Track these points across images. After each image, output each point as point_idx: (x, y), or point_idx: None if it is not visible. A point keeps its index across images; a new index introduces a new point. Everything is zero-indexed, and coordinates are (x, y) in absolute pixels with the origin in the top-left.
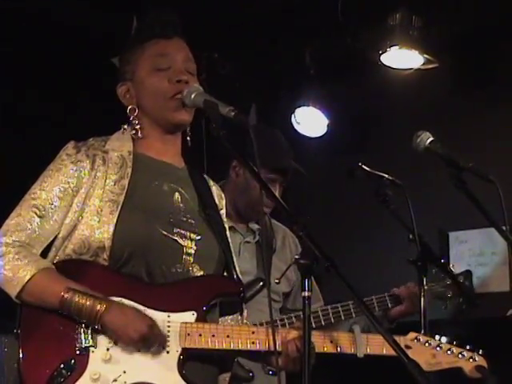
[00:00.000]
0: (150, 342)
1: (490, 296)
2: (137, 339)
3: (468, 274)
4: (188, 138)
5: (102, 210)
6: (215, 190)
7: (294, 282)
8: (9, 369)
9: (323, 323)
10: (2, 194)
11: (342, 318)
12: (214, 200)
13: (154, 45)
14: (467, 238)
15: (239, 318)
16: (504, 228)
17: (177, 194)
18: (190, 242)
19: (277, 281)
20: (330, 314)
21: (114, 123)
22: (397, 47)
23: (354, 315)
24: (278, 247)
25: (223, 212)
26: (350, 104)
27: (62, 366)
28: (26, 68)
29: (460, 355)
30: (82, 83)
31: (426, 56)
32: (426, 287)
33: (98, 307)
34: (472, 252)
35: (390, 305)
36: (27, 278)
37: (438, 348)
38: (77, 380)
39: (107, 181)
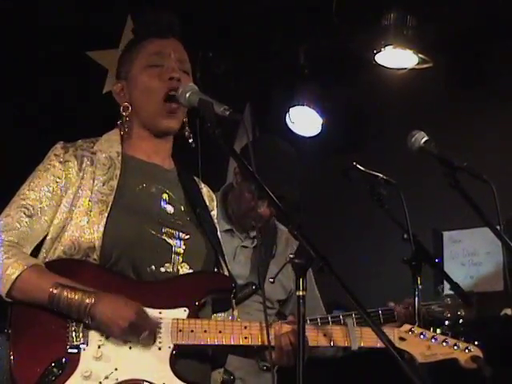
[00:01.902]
0: (140, 329)
1: (483, 295)
2: (126, 327)
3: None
4: (190, 140)
5: (91, 211)
6: (206, 191)
7: (292, 290)
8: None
9: None
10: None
11: None
12: (205, 201)
13: (149, 44)
14: (461, 237)
15: (231, 315)
16: (498, 227)
17: (165, 195)
18: (178, 241)
19: (271, 280)
20: (330, 323)
21: (103, 125)
22: (391, 47)
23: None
24: (278, 252)
25: (214, 213)
26: (345, 103)
27: (53, 364)
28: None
29: (455, 346)
30: (70, 84)
31: (420, 56)
32: (421, 306)
33: (87, 300)
34: (466, 251)
35: (382, 321)
36: (16, 275)
37: (432, 340)
38: (68, 378)
39: (95, 181)
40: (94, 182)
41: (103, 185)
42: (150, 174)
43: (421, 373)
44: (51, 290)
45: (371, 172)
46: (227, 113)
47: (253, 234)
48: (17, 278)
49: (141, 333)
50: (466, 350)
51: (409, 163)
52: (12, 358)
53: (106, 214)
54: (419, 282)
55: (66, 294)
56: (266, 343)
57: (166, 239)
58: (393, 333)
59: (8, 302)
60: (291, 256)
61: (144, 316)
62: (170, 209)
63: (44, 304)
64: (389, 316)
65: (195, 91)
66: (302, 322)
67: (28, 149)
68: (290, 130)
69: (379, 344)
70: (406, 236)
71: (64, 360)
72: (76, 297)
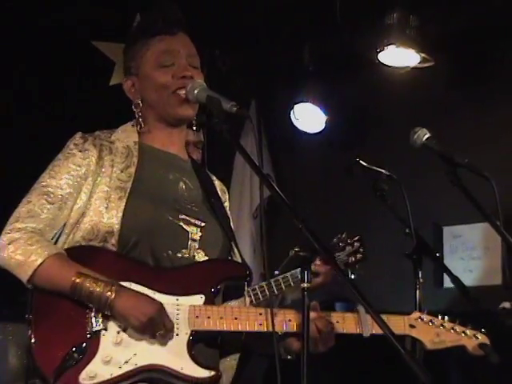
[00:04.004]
0: (159, 325)
1: (482, 289)
2: (145, 323)
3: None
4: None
5: (110, 197)
6: (218, 184)
7: None
8: (13, 356)
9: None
10: (6, 186)
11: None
12: (218, 193)
13: (158, 41)
14: (461, 232)
15: (244, 301)
16: (498, 223)
17: (181, 183)
18: (195, 228)
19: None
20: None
21: (117, 118)
22: (394, 46)
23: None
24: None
25: (227, 205)
26: (348, 101)
27: (73, 349)
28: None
29: (463, 333)
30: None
31: (422, 55)
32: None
33: (108, 293)
34: (465, 246)
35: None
36: (38, 262)
37: (441, 327)
38: (88, 363)
39: (114, 169)
40: (112, 169)
41: (121, 172)
42: (166, 162)
43: (421, 362)
44: (73, 279)
45: (374, 168)
46: (234, 109)
47: None
48: (39, 265)
49: (158, 330)
50: (474, 337)
51: (411, 159)
52: (33, 342)
53: (125, 200)
54: (420, 275)
55: (87, 284)
56: (282, 330)
57: (183, 226)
58: (403, 320)
59: (28, 290)
60: (296, 249)
61: (164, 315)
62: (186, 196)
63: (65, 292)
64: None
65: (203, 88)
66: (307, 313)
67: (41, 140)
68: (294, 126)
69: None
70: (407, 230)
71: (84, 345)
72: (98, 288)
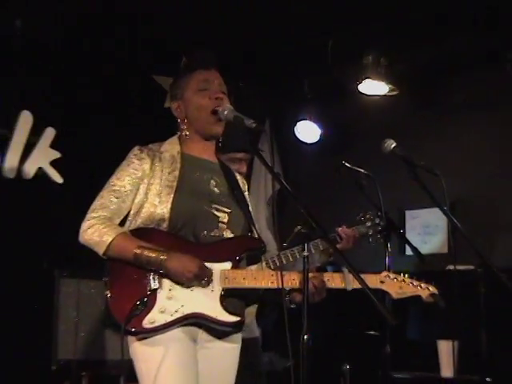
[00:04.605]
0: (201, 277)
1: (433, 256)
2: (191, 276)
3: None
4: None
5: (161, 193)
6: (240, 178)
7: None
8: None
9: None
10: (88, 187)
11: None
12: (239, 185)
13: (198, 74)
14: (418, 214)
15: (261, 266)
16: (445, 208)
17: (212, 181)
18: (223, 214)
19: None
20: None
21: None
22: (369, 79)
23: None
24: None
25: (246, 193)
26: (337, 119)
27: (138, 302)
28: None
29: (419, 287)
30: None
31: (390, 86)
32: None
33: (162, 257)
34: (422, 224)
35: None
36: (110, 240)
37: (403, 282)
38: (149, 312)
39: (163, 172)
40: (162, 173)
41: (169, 174)
42: (201, 166)
43: (387, 307)
44: (135, 250)
45: (356, 168)
46: (254, 125)
47: None
48: (110, 242)
49: (201, 280)
50: (427, 289)
51: (382, 162)
52: (109, 297)
53: (172, 195)
54: (388, 246)
55: (146, 253)
56: (287, 286)
57: (215, 212)
58: (375, 277)
59: (104, 259)
60: (299, 227)
61: (204, 268)
62: (216, 191)
63: (130, 261)
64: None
65: (231, 109)
66: (307, 274)
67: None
68: (297, 138)
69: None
70: (379, 213)
71: (145, 299)
72: (153, 255)
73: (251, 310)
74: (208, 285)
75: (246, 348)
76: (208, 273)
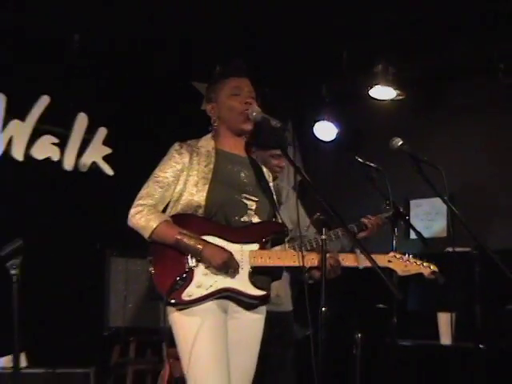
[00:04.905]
0: (229, 266)
1: (435, 239)
2: (221, 264)
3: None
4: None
5: (197, 184)
6: (266, 171)
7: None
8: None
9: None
10: (136, 178)
11: (333, 239)
12: (265, 177)
13: (231, 81)
14: (422, 203)
15: (285, 247)
16: (445, 197)
17: (242, 173)
18: (251, 202)
19: (291, 228)
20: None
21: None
22: (379, 85)
23: (340, 237)
24: (283, 201)
25: (271, 184)
26: (350, 120)
27: (178, 278)
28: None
29: (422, 265)
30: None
31: (397, 91)
32: (396, 230)
33: (198, 246)
34: (424, 212)
35: (356, 229)
36: (154, 226)
37: (408, 261)
38: (187, 286)
39: (200, 165)
40: (199, 166)
41: (205, 167)
42: (233, 160)
43: (394, 284)
44: (176, 236)
45: (367, 162)
46: (278, 125)
47: None
48: (155, 228)
49: (228, 269)
50: (428, 267)
51: (390, 157)
52: (153, 274)
53: (208, 186)
54: (395, 230)
55: (185, 240)
56: (307, 265)
57: (244, 201)
58: (384, 257)
59: (149, 242)
60: (318, 214)
61: (232, 259)
62: (245, 182)
63: (171, 244)
64: (362, 226)
65: (259, 111)
66: (325, 255)
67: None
68: (316, 136)
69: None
70: (388, 202)
71: (184, 276)
72: (191, 242)
73: (275, 285)
74: (238, 266)
75: (280, 320)
76: (235, 264)
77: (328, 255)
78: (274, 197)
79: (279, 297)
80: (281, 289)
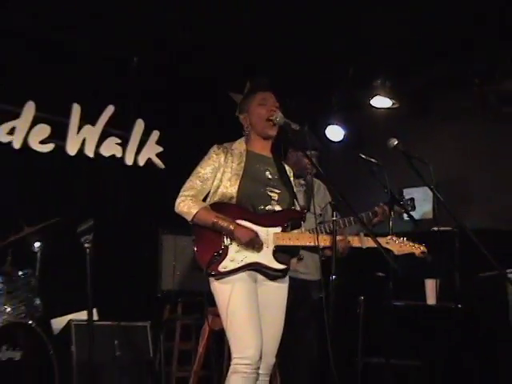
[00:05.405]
0: (254, 243)
1: (423, 220)
2: (248, 241)
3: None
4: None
5: (231, 179)
6: (288, 168)
7: (322, 209)
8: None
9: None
10: (183, 172)
11: (347, 225)
12: (287, 173)
13: (258, 95)
14: (412, 192)
15: (301, 230)
16: (432, 186)
17: (267, 172)
18: (275, 194)
19: (320, 212)
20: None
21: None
22: (378, 96)
23: (353, 224)
24: (315, 193)
25: (292, 179)
26: (355, 124)
27: (215, 253)
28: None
29: (414, 247)
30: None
31: (393, 101)
32: (392, 213)
33: (230, 227)
34: (415, 198)
35: (371, 216)
36: (195, 211)
37: (402, 243)
38: (223, 261)
39: (233, 164)
40: (232, 164)
41: (237, 165)
42: (260, 160)
43: (391, 257)
44: (213, 219)
45: (369, 159)
46: (298, 128)
47: (300, 181)
48: (196, 213)
49: (254, 246)
50: (419, 248)
51: (387, 154)
52: (195, 251)
53: (239, 181)
54: (392, 214)
55: (220, 222)
56: (322, 244)
57: (268, 193)
58: (383, 239)
59: (191, 224)
60: (330, 201)
61: (257, 237)
62: (270, 178)
63: (209, 226)
64: (374, 213)
65: (282, 117)
66: (335, 238)
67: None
68: (327, 137)
69: (376, 245)
70: (386, 190)
71: (220, 252)
72: (225, 224)
73: (295, 261)
74: (262, 244)
75: (306, 287)
76: (259, 241)
77: (338, 237)
78: (295, 189)
79: (308, 267)
80: (311, 261)
